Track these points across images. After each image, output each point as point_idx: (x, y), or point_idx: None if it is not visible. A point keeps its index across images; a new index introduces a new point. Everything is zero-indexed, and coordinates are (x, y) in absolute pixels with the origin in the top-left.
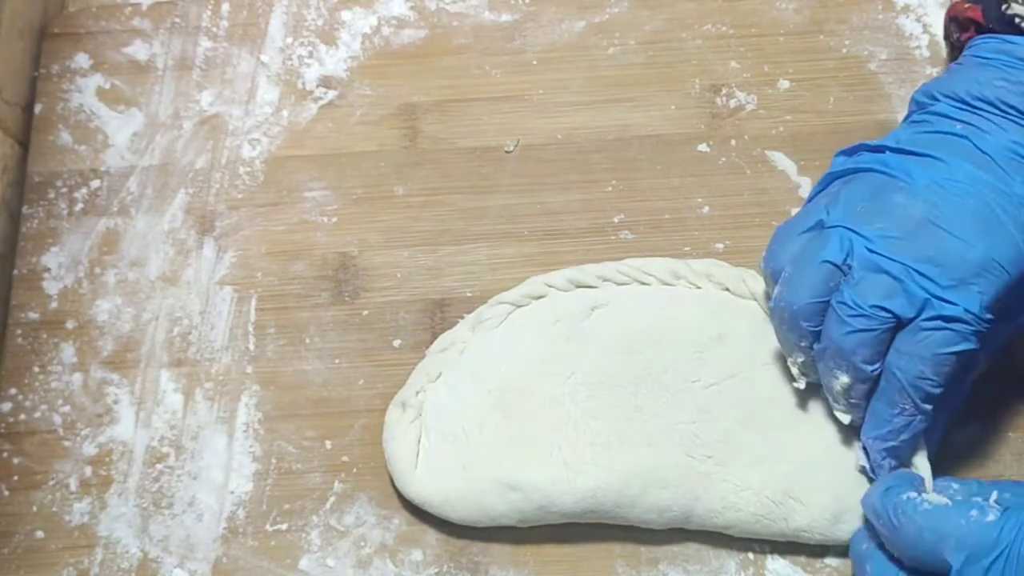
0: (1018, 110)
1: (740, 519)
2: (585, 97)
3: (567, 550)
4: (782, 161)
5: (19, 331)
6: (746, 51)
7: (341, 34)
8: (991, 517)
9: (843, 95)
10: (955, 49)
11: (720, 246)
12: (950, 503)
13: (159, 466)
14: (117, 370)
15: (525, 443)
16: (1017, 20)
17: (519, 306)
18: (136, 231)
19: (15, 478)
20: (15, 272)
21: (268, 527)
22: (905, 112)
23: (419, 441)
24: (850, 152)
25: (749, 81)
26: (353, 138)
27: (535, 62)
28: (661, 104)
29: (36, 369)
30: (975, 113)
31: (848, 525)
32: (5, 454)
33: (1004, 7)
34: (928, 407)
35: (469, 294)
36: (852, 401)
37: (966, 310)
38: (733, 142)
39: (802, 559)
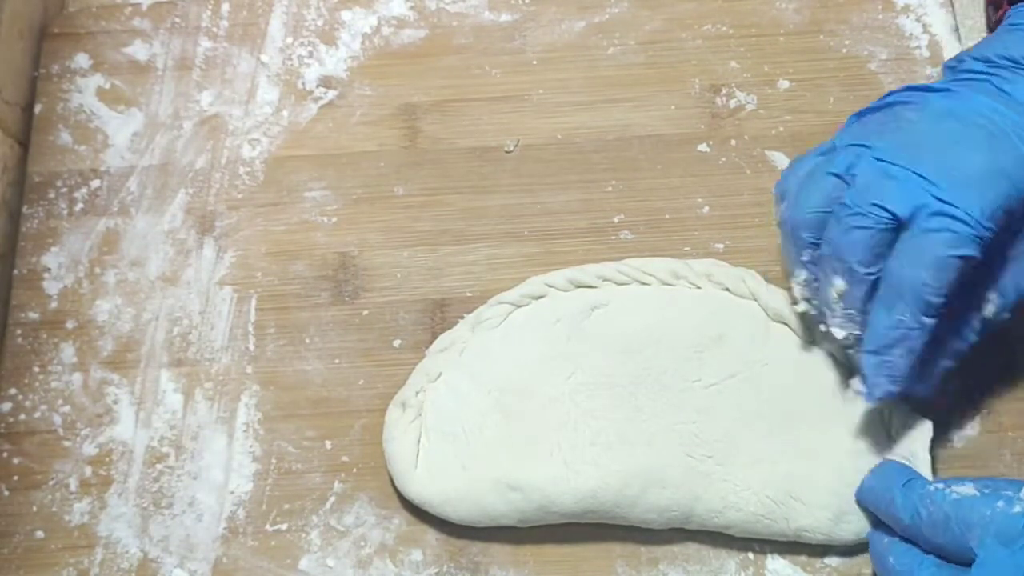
0: None
1: (741, 519)
2: (585, 97)
3: (567, 550)
4: (782, 161)
5: (19, 331)
6: (746, 51)
7: (341, 34)
8: (1017, 508)
9: (843, 95)
10: (993, 31)
11: (720, 246)
12: (977, 494)
13: (159, 466)
14: (117, 370)
15: (525, 443)
16: None
17: (519, 306)
18: (136, 231)
19: (15, 478)
20: (15, 272)
21: (268, 527)
22: None
23: (419, 441)
24: (878, 101)
25: (749, 81)
26: (353, 138)
27: (535, 62)
28: (661, 104)
29: (36, 369)
30: (1001, 68)
31: (851, 525)
32: (5, 454)
33: None
34: (928, 320)
35: (469, 294)
36: (847, 311)
37: (967, 212)
38: (733, 142)
39: (802, 559)
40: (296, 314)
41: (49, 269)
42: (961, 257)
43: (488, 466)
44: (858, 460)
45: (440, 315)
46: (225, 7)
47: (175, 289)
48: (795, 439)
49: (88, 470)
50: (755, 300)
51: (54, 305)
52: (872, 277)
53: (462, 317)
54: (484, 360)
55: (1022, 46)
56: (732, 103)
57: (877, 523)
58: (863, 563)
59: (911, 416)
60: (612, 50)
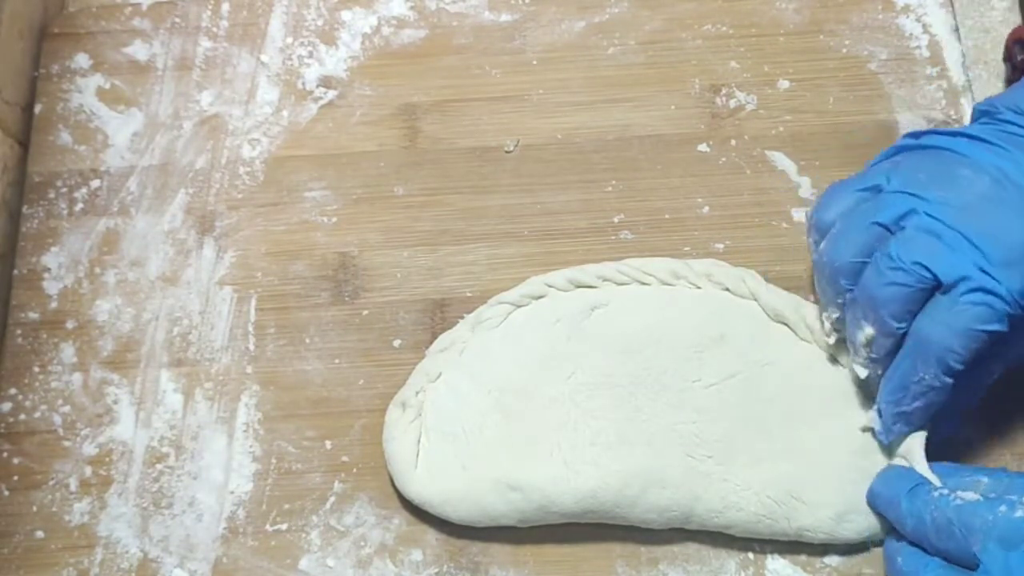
0: None
1: (741, 519)
2: (585, 97)
3: (567, 550)
4: (782, 161)
5: (19, 331)
6: (746, 51)
7: (341, 34)
8: (1020, 513)
9: (843, 95)
10: (1016, 70)
11: (720, 246)
12: (981, 499)
13: (159, 466)
14: (117, 370)
15: (525, 443)
16: None
17: (519, 306)
18: (136, 231)
19: (15, 478)
20: (15, 272)
21: (268, 527)
22: (905, 112)
23: (419, 441)
24: (918, 135)
25: (749, 81)
26: (353, 138)
27: (535, 62)
28: (661, 104)
29: (36, 369)
30: None
31: (852, 524)
32: (5, 454)
33: None
34: (948, 380)
35: (469, 294)
36: (872, 356)
37: (1008, 289)
38: (733, 142)
39: (802, 559)
40: (296, 314)
41: (49, 269)
42: (990, 331)
43: (488, 466)
44: (858, 459)
45: (440, 315)
46: (225, 7)
47: (175, 289)
48: (795, 439)
49: (88, 470)
50: (755, 300)
51: (54, 305)
52: (902, 331)
53: (462, 317)
54: (484, 360)
55: None
56: (732, 103)
57: (892, 527)
58: (863, 563)
59: None
60: (612, 50)
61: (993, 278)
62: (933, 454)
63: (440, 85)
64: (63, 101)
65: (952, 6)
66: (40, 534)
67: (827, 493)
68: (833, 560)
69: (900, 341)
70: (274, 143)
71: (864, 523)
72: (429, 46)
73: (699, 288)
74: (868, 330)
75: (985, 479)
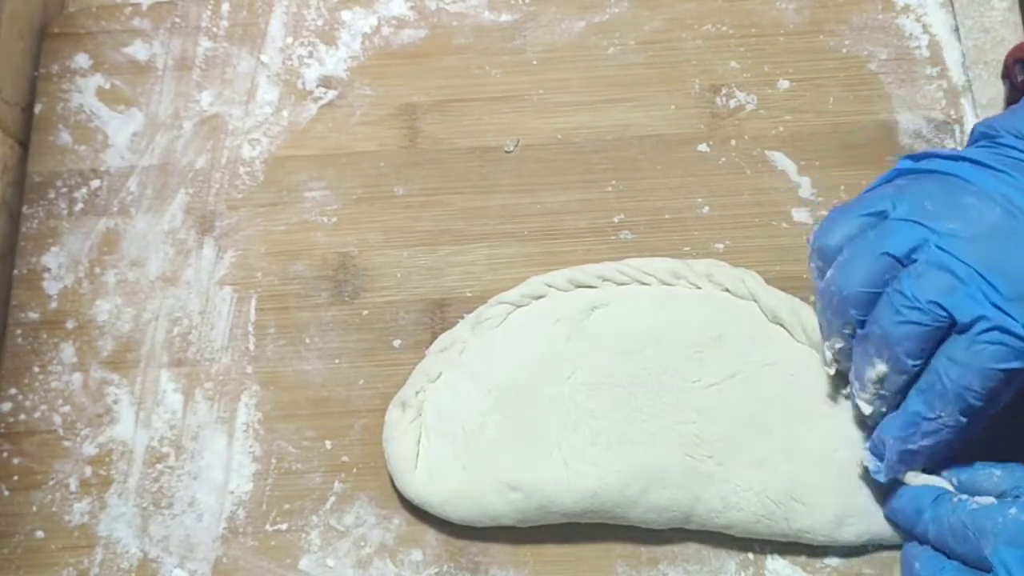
0: None
1: (741, 519)
2: (585, 97)
3: (567, 550)
4: (782, 161)
5: (19, 331)
6: (746, 51)
7: (341, 34)
8: None
9: (843, 95)
10: (1015, 89)
11: (720, 246)
12: (995, 502)
13: (159, 466)
14: (117, 370)
15: (525, 443)
16: None
17: (519, 306)
18: (136, 231)
19: (15, 478)
20: (15, 272)
21: (268, 527)
22: (905, 112)
23: (419, 441)
24: (917, 158)
25: (749, 81)
26: (353, 138)
27: (535, 62)
28: (661, 104)
29: (36, 369)
30: None
31: (852, 527)
32: (5, 454)
33: None
34: (963, 419)
35: (469, 294)
36: (882, 393)
37: None
38: (733, 142)
39: (802, 559)
40: (296, 314)
41: (49, 269)
42: (1009, 370)
43: (488, 466)
44: (858, 460)
45: (440, 315)
46: (225, 7)
47: (175, 289)
48: (795, 440)
49: (88, 470)
50: (755, 301)
51: (54, 305)
52: (916, 369)
53: (462, 317)
54: (484, 360)
55: None
56: (732, 103)
57: (910, 537)
58: (863, 563)
59: None
60: (612, 50)
61: (1009, 315)
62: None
63: (440, 85)
64: (63, 101)
65: (952, 6)
66: (40, 534)
67: (826, 495)
68: (833, 560)
69: (912, 378)
70: (274, 143)
71: (863, 526)
72: (429, 46)
73: (699, 288)
74: (880, 367)
75: (998, 472)
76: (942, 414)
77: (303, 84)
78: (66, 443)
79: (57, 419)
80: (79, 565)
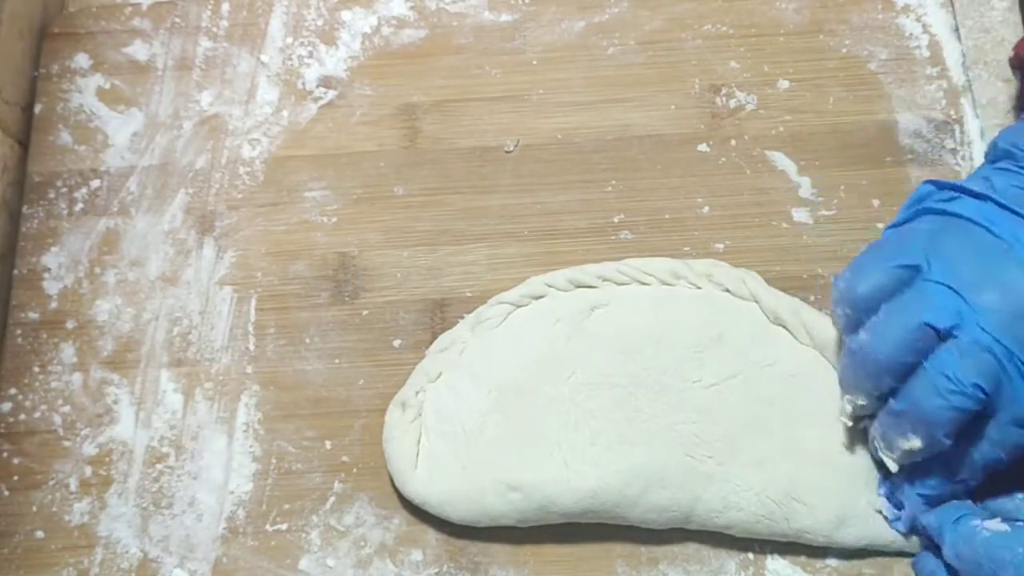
0: None
1: (741, 519)
2: (585, 97)
3: (567, 550)
4: (782, 161)
5: (19, 331)
6: (746, 51)
7: (341, 34)
8: None
9: (843, 95)
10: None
11: (720, 246)
12: (1009, 530)
13: (159, 466)
14: (117, 370)
15: (525, 443)
16: None
17: (519, 306)
18: (136, 231)
19: (15, 478)
20: (15, 272)
21: (268, 527)
22: (905, 112)
23: (419, 441)
24: (942, 187)
25: (749, 81)
26: (353, 138)
27: (535, 62)
28: (661, 104)
29: (36, 369)
30: None
31: (852, 530)
32: (5, 454)
33: None
34: (983, 477)
35: (469, 294)
36: (913, 460)
37: None
38: (733, 142)
39: (802, 559)
40: (296, 314)
41: (49, 269)
42: None
43: (488, 466)
44: (858, 461)
45: (440, 315)
46: (225, 7)
47: (175, 289)
48: (796, 440)
49: (88, 470)
50: (756, 302)
51: (54, 305)
52: (951, 445)
53: (462, 317)
54: (484, 360)
55: None
56: (732, 103)
57: (928, 545)
58: (863, 563)
59: None
60: (612, 50)
61: None
62: None
63: (440, 85)
64: (63, 101)
65: (952, 6)
66: (40, 534)
67: (827, 495)
68: (833, 561)
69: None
70: (274, 143)
71: (863, 530)
72: (429, 46)
73: (699, 288)
74: (915, 441)
75: (1020, 496)
76: (970, 481)
77: (303, 84)
78: (66, 443)
79: (57, 419)
80: (79, 565)
